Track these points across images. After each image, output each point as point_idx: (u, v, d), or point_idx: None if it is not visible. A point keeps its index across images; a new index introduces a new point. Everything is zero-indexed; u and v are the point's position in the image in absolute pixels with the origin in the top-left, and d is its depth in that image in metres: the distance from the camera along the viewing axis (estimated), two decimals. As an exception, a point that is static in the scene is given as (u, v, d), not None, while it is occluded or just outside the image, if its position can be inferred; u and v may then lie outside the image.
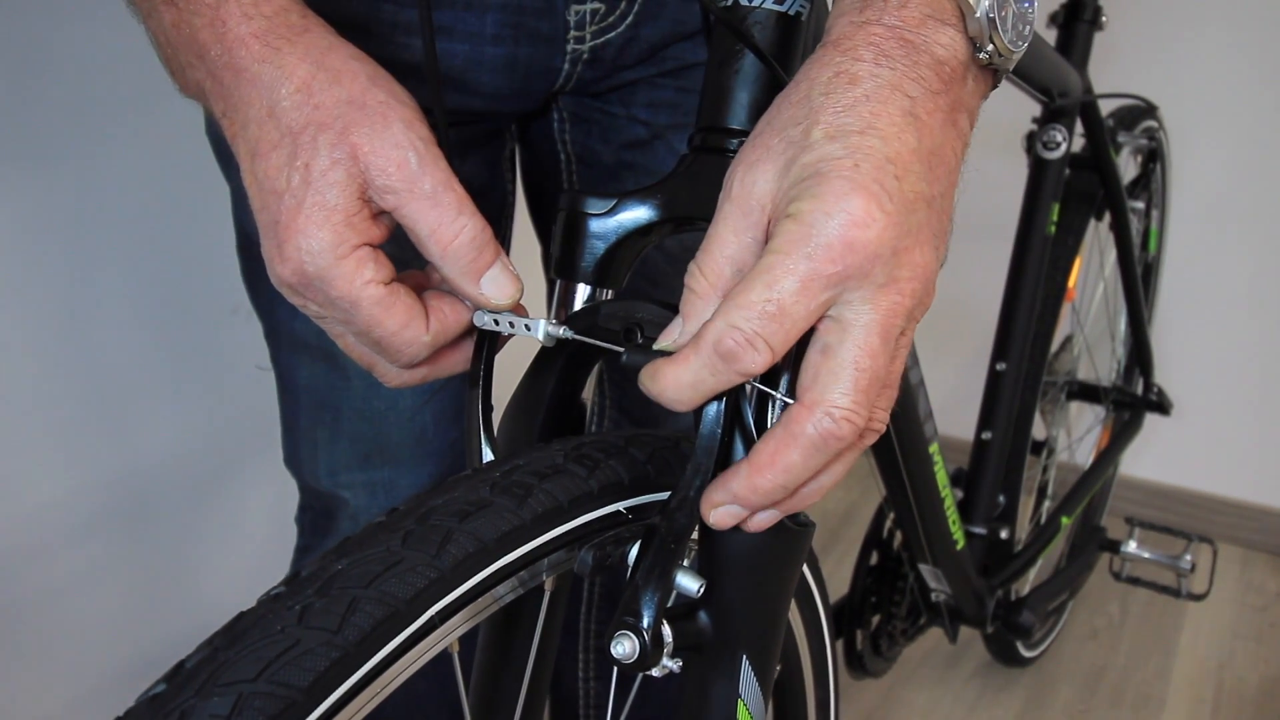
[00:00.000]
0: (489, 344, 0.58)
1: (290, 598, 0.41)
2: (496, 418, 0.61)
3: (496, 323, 0.54)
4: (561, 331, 0.54)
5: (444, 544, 0.43)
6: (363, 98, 0.49)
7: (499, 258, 0.52)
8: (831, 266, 0.42)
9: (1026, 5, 0.49)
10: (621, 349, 0.51)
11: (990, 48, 0.47)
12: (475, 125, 0.82)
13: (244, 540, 1.39)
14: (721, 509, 0.47)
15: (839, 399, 0.43)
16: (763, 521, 0.49)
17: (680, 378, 0.45)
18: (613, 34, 0.78)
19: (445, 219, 0.50)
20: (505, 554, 0.46)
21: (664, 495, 0.56)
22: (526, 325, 0.54)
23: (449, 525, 0.44)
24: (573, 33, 0.77)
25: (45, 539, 1.16)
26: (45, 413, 1.13)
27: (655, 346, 0.48)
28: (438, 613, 0.43)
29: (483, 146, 0.84)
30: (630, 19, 0.78)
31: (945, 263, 0.48)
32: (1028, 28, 0.49)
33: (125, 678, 1.27)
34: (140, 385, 1.21)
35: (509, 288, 0.53)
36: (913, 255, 0.44)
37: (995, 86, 0.51)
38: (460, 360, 0.58)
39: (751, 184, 0.45)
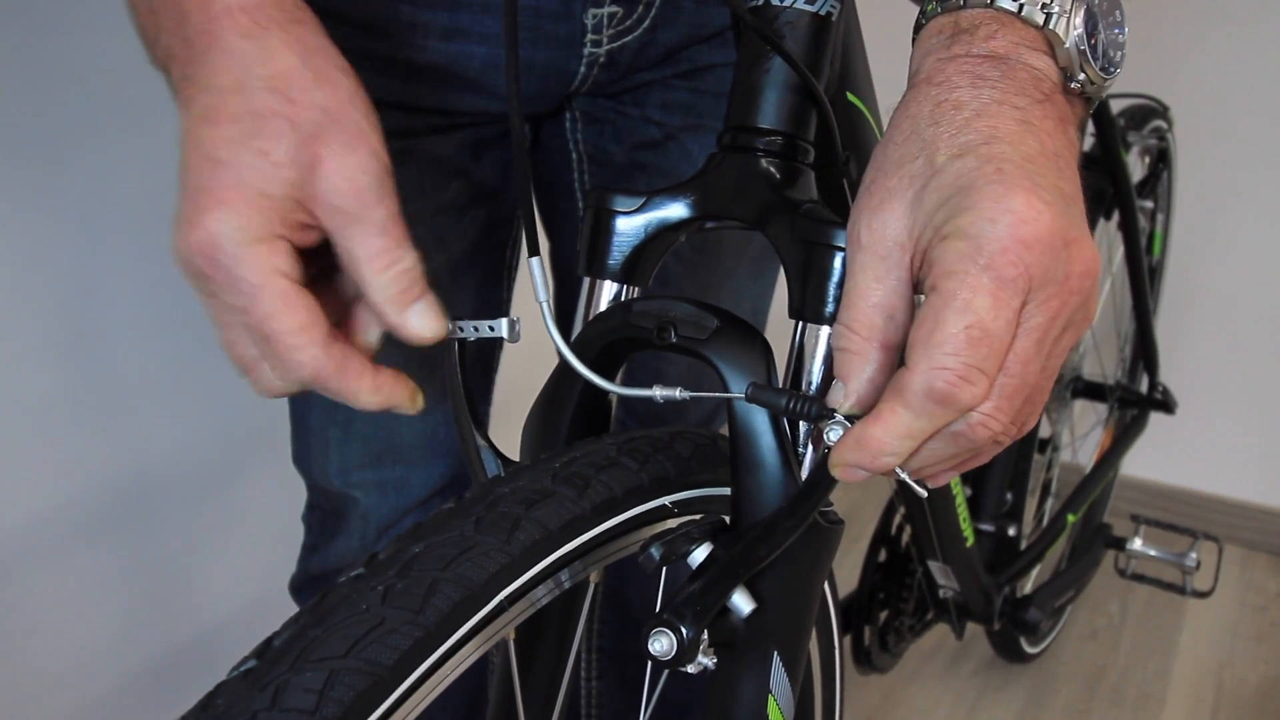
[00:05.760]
0: (461, 353, 0.58)
1: (372, 578, 0.42)
2: (520, 418, 0.61)
3: (462, 329, 0.55)
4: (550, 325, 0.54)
5: (514, 530, 0.45)
6: (340, 112, 0.48)
7: (427, 294, 0.52)
8: (1014, 269, 0.40)
9: (1117, 32, 0.48)
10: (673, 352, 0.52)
11: (1082, 76, 0.46)
12: (490, 126, 0.82)
13: (248, 540, 1.37)
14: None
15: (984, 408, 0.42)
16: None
17: (892, 434, 0.43)
18: (629, 38, 0.78)
19: (389, 246, 0.49)
20: (567, 541, 0.47)
21: (703, 490, 0.57)
22: (490, 326, 0.55)
23: (517, 512, 0.46)
24: (590, 36, 0.77)
25: (49, 542, 1.15)
26: (48, 415, 1.12)
27: (839, 413, 0.46)
28: (506, 596, 0.44)
29: (496, 147, 0.84)
30: (647, 23, 0.78)
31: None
32: (1119, 54, 0.48)
33: (131, 680, 1.27)
34: (142, 386, 1.20)
35: (435, 322, 0.52)
36: (1082, 248, 0.42)
37: (1089, 114, 0.50)
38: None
39: (881, 227, 0.44)
